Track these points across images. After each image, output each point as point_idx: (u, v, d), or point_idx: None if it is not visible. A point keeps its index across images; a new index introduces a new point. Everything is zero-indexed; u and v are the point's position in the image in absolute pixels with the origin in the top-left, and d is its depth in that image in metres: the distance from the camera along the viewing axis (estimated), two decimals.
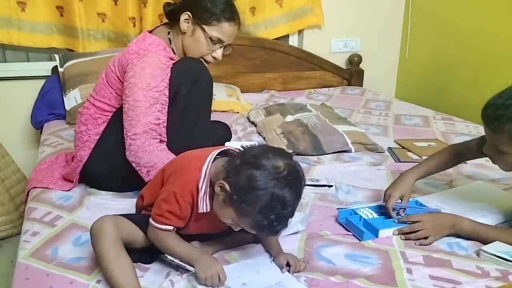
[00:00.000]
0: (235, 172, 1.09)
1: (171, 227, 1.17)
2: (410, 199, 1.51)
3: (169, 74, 1.55)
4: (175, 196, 1.15)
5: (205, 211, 1.17)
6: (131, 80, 1.52)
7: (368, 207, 1.48)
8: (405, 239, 1.35)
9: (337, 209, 1.50)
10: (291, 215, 1.11)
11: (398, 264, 1.24)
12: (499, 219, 1.44)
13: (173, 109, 1.56)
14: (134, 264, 1.15)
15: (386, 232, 1.37)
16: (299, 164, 1.14)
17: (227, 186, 1.09)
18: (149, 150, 1.49)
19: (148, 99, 1.50)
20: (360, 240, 1.35)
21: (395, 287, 1.15)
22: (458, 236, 1.36)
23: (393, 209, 1.43)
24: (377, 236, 1.36)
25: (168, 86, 1.54)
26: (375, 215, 1.44)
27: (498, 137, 1.26)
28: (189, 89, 1.58)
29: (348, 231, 1.41)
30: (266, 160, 1.08)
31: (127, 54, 1.57)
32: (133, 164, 1.51)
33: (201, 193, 1.16)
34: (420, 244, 1.33)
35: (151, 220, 1.18)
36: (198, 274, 1.12)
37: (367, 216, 1.43)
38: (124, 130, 1.53)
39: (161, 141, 1.53)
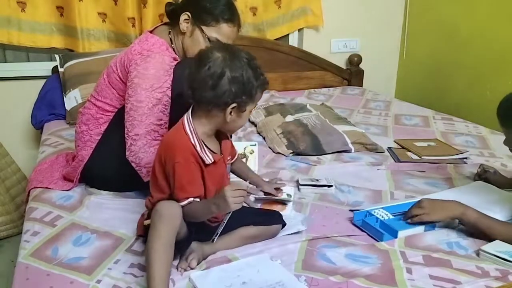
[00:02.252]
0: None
1: (191, 198, 1.19)
2: (414, 199, 1.53)
3: (172, 75, 1.55)
4: (181, 165, 1.18)
5: (211, 161, 1.23)
6: (135, 80, 1.52)
7: (382, 208, 1.48)
8: (405, 220, 1.40)
9: (350, 210, 1.51)
10: None
11: (398, 264, 1.24)
12: (499, 218, 1.44)
13: (177, 110, 1.55)
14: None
15: (405, 233, 1.38)
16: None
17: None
18: (149, 152, 1.49)
19: (151, 99, 1.50)
20: (378, 241, 1.35)
21: (395, 287, 1.15)
22: (461, 223, 1.38)
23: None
24: (396, 237, 1.36)
25: (170, 87, 1.54)
26: (390, 216, 1.44)
27: (509, 131, 1.38)
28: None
29: (364, 232, 1.41)
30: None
31: (130, 54, 1.57)
32: (133, 164, 1.52)
33: (198, 148, 1.21)
34: (411, 220, 1.39)
35: (182, 202, 1.19)
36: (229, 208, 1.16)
37: (382, 217, 1.43)
38: (126, 130, 1.53)
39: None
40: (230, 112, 1.21)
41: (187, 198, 1.19)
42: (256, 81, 1.23)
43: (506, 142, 1.46)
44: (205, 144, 1.23)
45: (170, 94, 1.54)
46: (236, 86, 1.19)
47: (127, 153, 1.52)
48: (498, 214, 1.45)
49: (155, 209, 1.16)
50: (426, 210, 1.38)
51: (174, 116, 1.55)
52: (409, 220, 1.40)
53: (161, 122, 1.53)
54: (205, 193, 1.25)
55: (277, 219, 1.39)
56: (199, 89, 1.20)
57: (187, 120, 1.24)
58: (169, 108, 1.54)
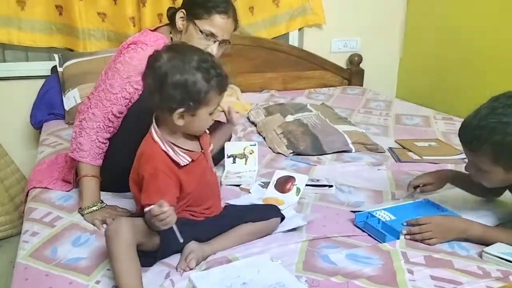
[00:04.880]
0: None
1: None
2: (422, 199, 1.52)
3: None
4: (150, 175, 1.17)
5: (187, 162, 1.20)
6: (117, 66, 1.55)
7: (383, 209, 1.47)
8: (411, 239, 1.35)
9: (352, 212, 1.51)
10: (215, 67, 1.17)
11: (399, 264, 1.23)
12: (498, 218, 1.44)
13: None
14: None
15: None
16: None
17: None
18: (93, 138, 1.52)
19: (122, 91, 1.53)
20: (381, 242, 1.34)
21: None
22: (466, 240, 1.35)
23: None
24: (398, 238, 1.35)
25: None
26: (392, 217, 1.43)
27: (477, 156, 1.28)
28: None
29: (366, 233, 1.40)
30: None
31: (126, 44, 1.60)
32: (73, 134, 1.56)
33: (171, 153, 1.19)
34: (421, 242, 1.33)
35: (146, 209, 1.15)
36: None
37: (384, 218, 1.42)
38: (88, 103, 1.56)
39: (109, 139, 1.55)
40: (181, 116, 1.17)
41: (149, 205, 1.15)
42: (206, 83, 1.15)
43: (468, 168, 1.37)
44: (178, 146, 1.21)
45: (142, 88, 1.53)
46: (180, 91, 1.13)
47: (76, 121, 1.56)
48: (496, 214, 1.45)
49: (108, 228, 1.14)
50: (437, 235, 1.33)
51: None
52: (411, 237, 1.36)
53: (121, 115, 1.55)
54: (187, 193, 1.24)
55: (275, 213, 1.38)
56: (148, 93, 1.19)
57: (153, 128, 1.21)
58: (131, 104, 1.56)
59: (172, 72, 1.13)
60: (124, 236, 1.10)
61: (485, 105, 1.27)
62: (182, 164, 1.20)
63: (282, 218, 1.40)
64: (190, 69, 1.14)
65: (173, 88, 1.13)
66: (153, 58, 1.17)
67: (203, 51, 1.22)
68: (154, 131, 1.21)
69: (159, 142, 1.19)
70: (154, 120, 1.23)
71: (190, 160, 1.22)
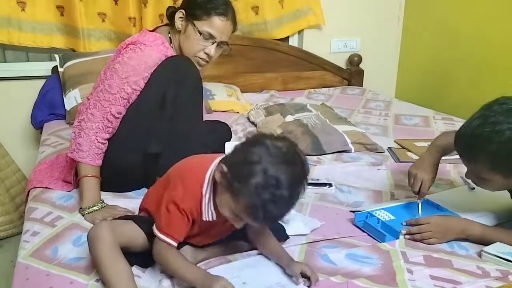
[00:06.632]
0: (233, 152, 1.06)
1: (173, 241, 1.11)
2: (414, 200, 1.53)
3: (152, 71, 1.55)
4: (175, 204, 1.10)
5: (210, 219, 1.11)
6: (116, 66, 1.55)
7: (383, 209, 1.48)
8: (410, 239, 1.35)
9: (351, 211, 1.51)
10: (289, 201, 1.01)
11: (399, 264, 1.24)
12: (498, 218, 1.45)
13: (163, 113, 1.54)
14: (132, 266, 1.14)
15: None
16: (302, 152, 1.06)
17: (224, 167, 1.02)
18: (92, 139, 1.52)
19: (121, 91, 1.53)
20: (380, 242, 1.35)
21: (396, 287, 1.15)
22: (465, 240, 1.35)
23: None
24: (397, 238, 1.35)
25: (145, 84, 1.55)
26: (392, 217, 1.44)
27: (475, 166, 1.28)
28: (175, 91, 1.54)
29: (365, 233, 1.40)
30: (266, 139, 1.03)
31: (124, 44, 1.61)
32: (72, 134, 1.56)
33: (205, 199, 1.10)
34: (421, 242, 1.33)
35: (155, 229, 1.13)
36: None
37: (384, 218, 1.43)
38: (87, 103, 1.56)
39: (108, 139, 1.55)
40: None
41: (168, 236, 1.11)
42: None
43: (468, 175, 1.36)
44: (213, 197, 1.10)
45: (140, 88, 1.55)
46: None
47: (75, 122, 1.57)
48: (496, 214, 1.46)
49: (88, 233, 1.14)
50: (437, 235, 1.33)
51: (161, 120, 1.54)
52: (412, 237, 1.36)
53: (120, 115, 1.55)
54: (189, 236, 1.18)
55: (280, 235, 1.31)
56: None
57: (213, 167, 1.11)
58: (129, 104, 1.56)
59: None
60: (106, 238, 1.10)
61: (477, 114, 1.26)
62: (204, 219, 1.12)
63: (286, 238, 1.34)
64: None
65: None
66: None
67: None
68: (211, 170, 1.11)
69: (206, 182, 1.10)
70: (216, 162, 1.12)
71: (214, 219, 1.12)
